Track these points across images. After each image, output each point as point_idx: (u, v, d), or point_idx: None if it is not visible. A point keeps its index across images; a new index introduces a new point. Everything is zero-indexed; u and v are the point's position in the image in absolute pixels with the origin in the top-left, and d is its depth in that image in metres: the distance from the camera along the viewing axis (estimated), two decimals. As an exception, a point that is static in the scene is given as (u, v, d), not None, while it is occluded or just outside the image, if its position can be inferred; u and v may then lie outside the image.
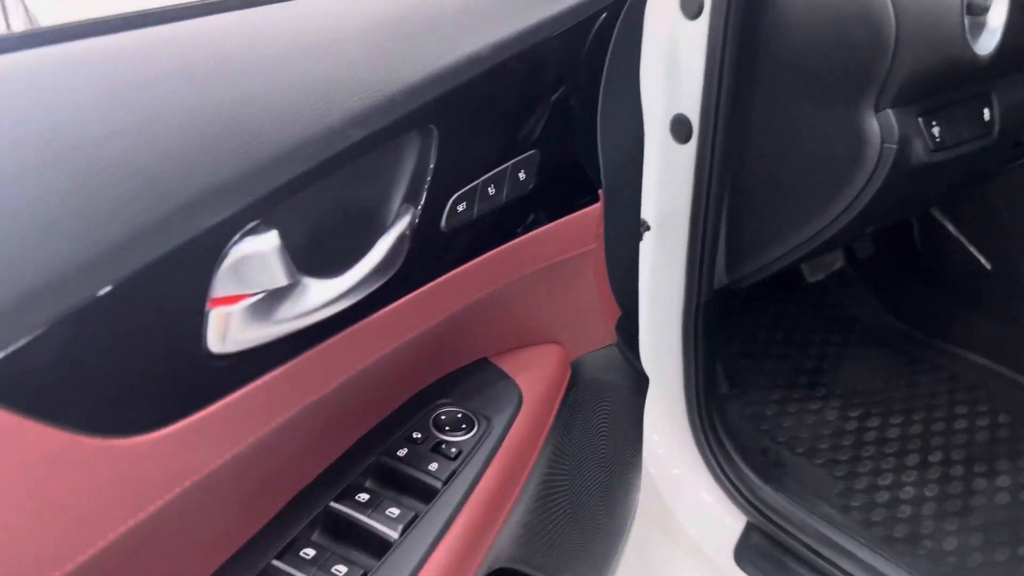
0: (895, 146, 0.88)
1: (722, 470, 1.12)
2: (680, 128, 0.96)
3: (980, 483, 1.24)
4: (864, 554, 1.04)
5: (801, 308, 1.55)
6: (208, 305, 0.39)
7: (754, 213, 1.02)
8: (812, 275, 1.51)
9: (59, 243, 0.32)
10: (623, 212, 0.74)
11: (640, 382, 0.88)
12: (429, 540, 0.53)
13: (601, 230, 0.68)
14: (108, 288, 0.33)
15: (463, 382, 0.65)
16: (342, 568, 0.50)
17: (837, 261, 1.54)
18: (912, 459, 1.29)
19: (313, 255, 0.43)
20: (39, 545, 0.34)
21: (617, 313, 0.78)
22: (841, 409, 1.39)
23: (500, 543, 0.63)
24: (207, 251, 0.38)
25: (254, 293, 0.40)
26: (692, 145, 0.96)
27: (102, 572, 0.38)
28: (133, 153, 0.35)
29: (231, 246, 0.39)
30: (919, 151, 0.89)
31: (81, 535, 0.35)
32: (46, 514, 0.34)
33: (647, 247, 1.04)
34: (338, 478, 0.55)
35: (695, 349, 1.08)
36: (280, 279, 0.40)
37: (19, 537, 0.33)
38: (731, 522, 1.12)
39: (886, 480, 1.25)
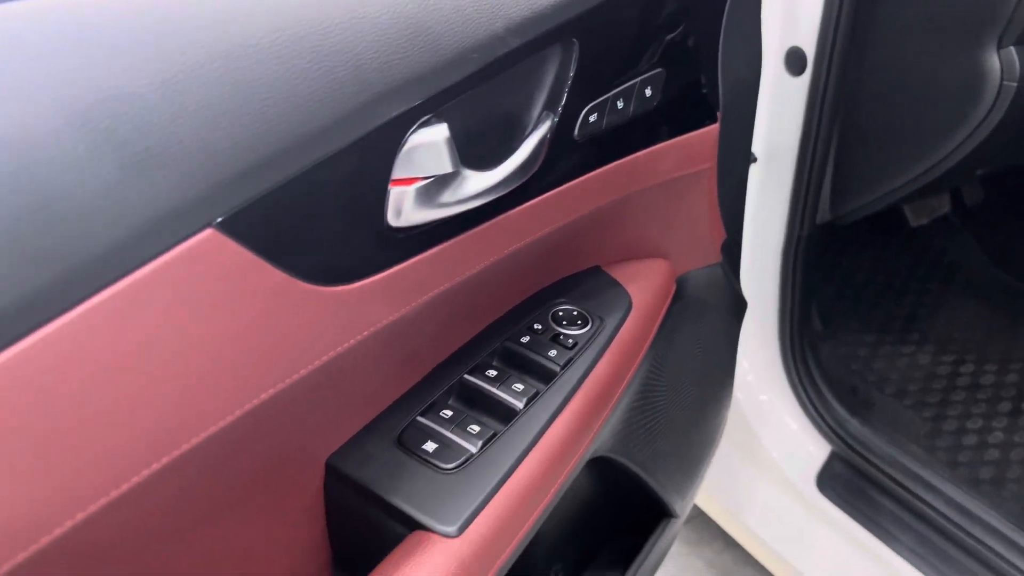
0: (1015, 84, 0.88)
1: (809, 400, 1.16)
2: (794, 60, 0.97)
3: (1075, 435, 1.24)
4: (948, 489, 1.06)
5: (902, 253, 1.54)
6: (389, 184, 0.46)
7: (863, 148, 1.03)
8: (916, 219, 1.49)
9: (296, 115, 0.39)
10: (736, 137, 0.78)
11: (739, 305, 0.92)
12: (548, 414, 0.60)
13: (716, 151, 0.72)
14: (325, 158, 0.40)
15: (578, 285, 0.71)
16: (476, 427, 0.57)
17: (943, 206, 1.51)
18: (1004, 406, 1.29)
19: (470, 150, 0.50)
20: (255, 366, 0.42)
21: (723, 235, 0.82)
22: (935, 355, 1.39)
23: (604, 433, 0.69)
24: (393, 136, 0.44)
25: (424, 177, 0.47)
26: (805, 78, 0.98)
27: (291, 404, 0.46)
28: (347, 44, 0.41)
29: (411, 134, 0.45)
30: (1041, 90, 0.88)
31: (287, 363, 0.44)
32: (263, 340, 0.42)
33: (753, 178, 1.06)
34: (470, 356, 0.63)
35: (793, 281, 1.11)
36: (447, 166, 0.47)
37: (239, 358, 0.41)
38: (815, 450, 1.16)
39: (975, 424, 1.26)
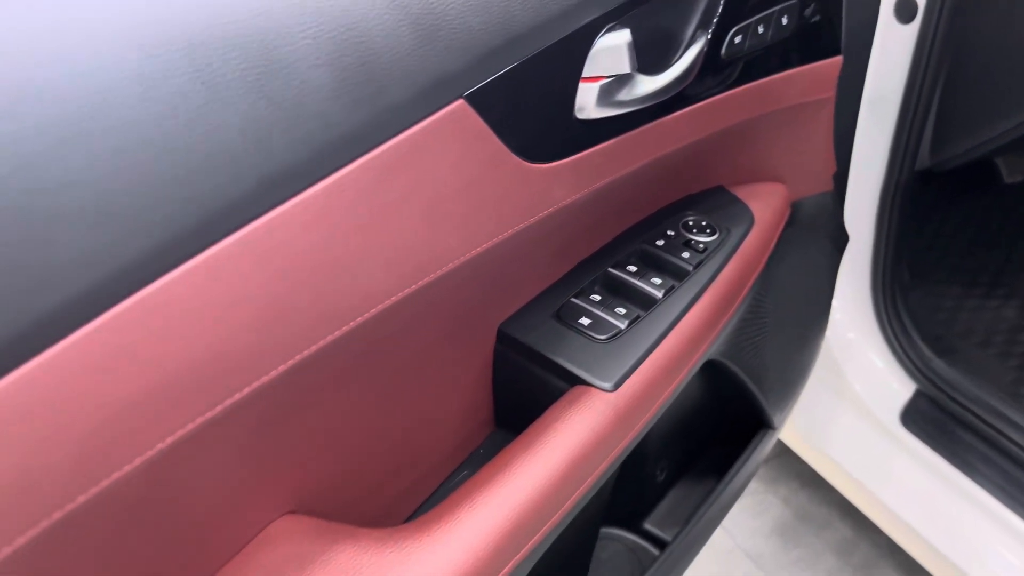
0: None
1: (896, 339, 1.21)
2: (904, 8, 1.02)
3: None
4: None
5: (993, 209, 1.56)
6: (580, 81, 0.54)
7: (967, 96, 1.07)
8: (1010, 176, 1.51)
9: (528, 7, 0.47)
10: (853, 73, 0.83)
11: (842, 237, 0.98)
12: (683, 305, 0.68)
13: (836, 83, 0.78)
14: (543, 49, 0.49)
15: (705, 201, 0.79)
16: (622, 310, 0.66)
17: (1039, 164, 1.53)
18: (1092, 360, 1.32)
19: (640, 57, 0.57)
20: (471, 224, 0.51)
21: (834, 167, 0.89)
22: (1021, 309, 1.42)
23: (719, 338, 0.77)
24: (588, 36, 0.52)
25: (607, 76, 0.55)
26: (915, 26, 1.02)
27: (485, 266, 0.55)
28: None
29: (600, 36, 0.53)
30: None
31: (493, 226, 0.52)
32: (480, 202, 0.50)
33: (858, 127, 1.11)
34: (611, 255, 0.71)
35: (888, 225, 1.16)
36: (625, 68, 0.55)
37: (463, 215, 0.50)
38: (900, 388, 1.22)
39: (1061, 374, 1.29)
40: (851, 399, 1.24)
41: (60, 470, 0.34)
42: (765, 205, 0.80)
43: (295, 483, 0.50)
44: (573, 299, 0.66)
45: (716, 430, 0.97)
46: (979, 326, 1.39)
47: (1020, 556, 1.08)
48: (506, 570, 0.51)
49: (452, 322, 0.58)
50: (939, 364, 1.20)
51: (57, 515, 0.34)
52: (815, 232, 0.92)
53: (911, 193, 1.15)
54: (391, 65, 0.42)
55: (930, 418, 1.20)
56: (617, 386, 0.60)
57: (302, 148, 0.39)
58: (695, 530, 0.89)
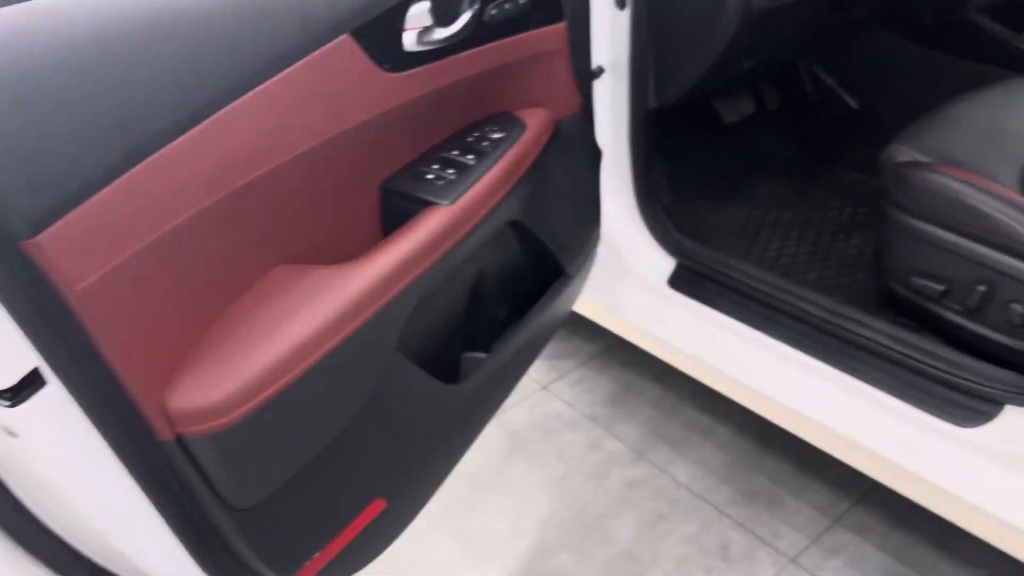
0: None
1: (658, 230, 1.73)
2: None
3: (840, 245, 1.86)
4: (763, 274, 1.64)
5: (722, 143, 2.14)
6: (406, 28, 0.99)
7: (670, 55, 1.62)
8: (728, 117, 2.10)
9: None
10: (578, 34, 1.33)
11: (596, 151, 1.48)
12: (484, 168, 1.13)
13: (566, 38, 1.28)
14: (391, 7, 0.94)
15: (495, 119, 1.26)
16: (451, 171, 1.11)
17: (748, 108, 2.13)
18: (794, 233, 1.90)
19: (435, 17, 1.03)
20: (346, 106, 0.95)
21: (580, 97, 1.38)
22: (751, 207, 1.99)
23: (515, 202, 1.23)
24: (407, 4, 0.98)
25: (419, 27, 1.00)
26: (627, 12, 1.56)
27: (365, 137, 0.99)
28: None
29: (412, 4, 0.99)
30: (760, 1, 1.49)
31: (364, 108, 0.96)
32: (354, 93, 0.94)
33: (605, 81, 1.63)
34: (440, 148, 1.16)
35: (638, 146, 1.69)
36: (429, 22, 1.01)
37: (347, 101, 0.94)
38: (664, 264, 1.73)
39: (775, 244, 1.86)
40: (631, 275, 1.74)
41: (197, 185, 0.76)
42: (534, 118, 1.29)
43: (280, 250, 0.92)
44: (420, 167, 1.11)
45: (538, 283, 1.43)
46: (720, 222, 1.95)
47: (755, 355, 1.60)
48: (396, 290, 0.95)
49: (347, 174, 1.01)
50: (690, 244, 1.73)
51: (197, 208, 0.76)
52: (574, 143, 1.41)
53: (651, 124, 1.68)
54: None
55: (688, 281, 1.72)
56: (453, 202, 1.05)
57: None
58: (514, 343, 1.33)
